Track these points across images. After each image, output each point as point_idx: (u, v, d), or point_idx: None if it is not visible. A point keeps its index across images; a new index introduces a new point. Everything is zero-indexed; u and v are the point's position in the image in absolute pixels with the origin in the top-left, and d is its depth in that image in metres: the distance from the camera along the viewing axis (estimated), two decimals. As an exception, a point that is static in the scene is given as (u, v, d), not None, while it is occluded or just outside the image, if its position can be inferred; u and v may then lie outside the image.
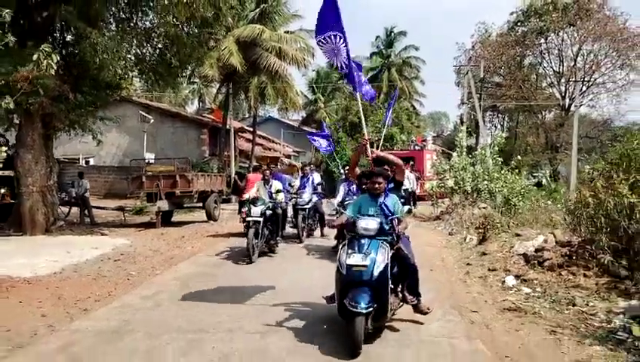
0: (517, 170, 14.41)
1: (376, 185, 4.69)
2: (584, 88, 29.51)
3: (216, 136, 25.82)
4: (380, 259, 4.24)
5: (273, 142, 36.90)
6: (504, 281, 6.51)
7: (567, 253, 6.92)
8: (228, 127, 23.79)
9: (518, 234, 8.52)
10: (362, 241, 4.35)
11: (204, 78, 22.82)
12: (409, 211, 4.64)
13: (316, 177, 11.61)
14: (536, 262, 6.91)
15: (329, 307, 4.91)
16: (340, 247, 4.54)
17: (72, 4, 10.60)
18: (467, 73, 20.05)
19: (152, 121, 18.59)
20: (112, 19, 11.65)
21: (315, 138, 13.25)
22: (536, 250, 7.15)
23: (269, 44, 22.38)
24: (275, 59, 22.43)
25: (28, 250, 8.75)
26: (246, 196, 8.90)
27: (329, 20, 5.15)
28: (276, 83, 24.28)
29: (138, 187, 12.51)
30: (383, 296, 4.22)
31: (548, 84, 32.41)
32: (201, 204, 13.97)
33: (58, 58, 7.36)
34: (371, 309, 4.12)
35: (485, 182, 13.90)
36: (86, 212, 13.84)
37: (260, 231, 8.19)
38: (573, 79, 28.91)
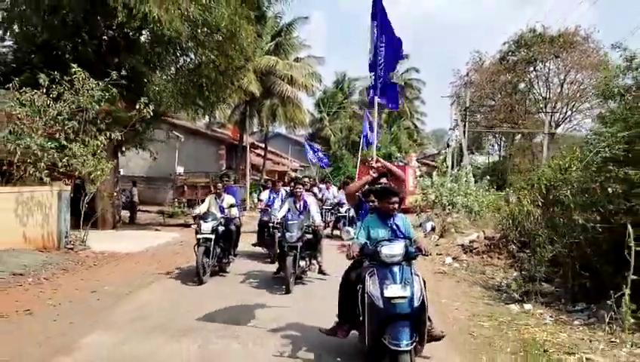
0: (497, 188, 18.13)
1: (391, 206, 4.41)
2: (569, 113, 33.30)
3: (232, 151, 29.74)
4: (416, 288, 3.96)
5: (281, 156, 40.72)
6: (444, 261, 10.22)
7: (490, 244, 10.64)
8: (244, 143, 27.63)
9: (463, 233, 12.24)
10: (394, 269, 4.01)
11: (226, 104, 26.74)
12: (433, 229, 4.01)
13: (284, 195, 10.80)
14: (468, 249, 10.62)
15: (320, 335, 4.90)
16: (368, 277, 4.09)
17: (139, 53, 14.48)
18: (453, 103, 23.90)
19: (182, 139, 22.46)
20: (165, 64, 15.47)
21: (309, 148, 16.55)
22: (470, 242, 10.88)
23: (282, 73, 26.34)
24: (287, 86, 26.39)
25: (111, 239, 12.43)
26: (195, 211, 8.52)
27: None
28: (286, 106, 28.18)
29: (180, 194, 16.30)
30: (422, 326, 3.99)
31: (537, 110, 36.15)
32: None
33: (149, 103, 11.12)
34: (414, 344, 3.88)
35: (459, 197, 17.58)
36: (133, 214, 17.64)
37: (212, 249, 7.85)
38: (558, 105, 32.77)
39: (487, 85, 34.86)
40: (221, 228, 8.15)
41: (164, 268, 8.96)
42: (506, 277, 9.15)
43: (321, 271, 8.53)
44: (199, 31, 13.68)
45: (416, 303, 3.90)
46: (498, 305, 7.06)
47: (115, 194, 14.65)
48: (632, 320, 5.74)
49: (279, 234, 7.95)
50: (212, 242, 7.83)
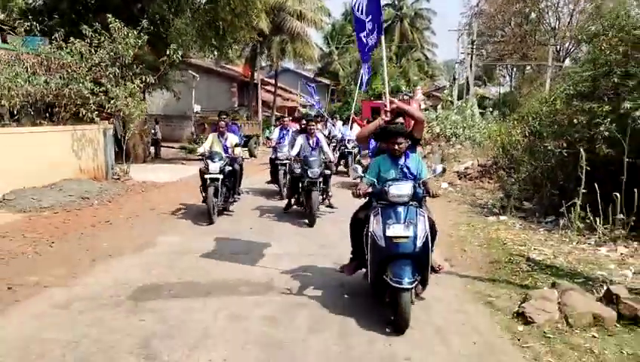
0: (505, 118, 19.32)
1: (397, 146, 4.28)
2: (575, 45, 33.58)
3: (243, 89, 30.95)
4: (420, 228, 4.02)
5: (290, 92, 41.73)
6: (440, 186, 11.85)
7: (482, 170, 12.21)
8: (255, 81, 28.78)
9: (460, 162, 13.81)
10: (399, 209, 4.06)
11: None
12: (443, 170, 4.47)
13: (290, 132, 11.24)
14: (463, 175, 12.23)
15: (334, 273, 5.14)
16: (372, 216, 4.15)
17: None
18: (460, 37, 24.67)
19: (198, 78, 23.70)
20: (185, 7, 16.51)
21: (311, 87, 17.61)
22: (465, 169, 12.46)
23: (292, 9, 27.00)
24: (296, 22, 27.17)
25: (147, 171, 14.11)
26: (200, 150, 8.41)
27: None
28: (296, 42, 28.98)
29: (202, 131, 17.87)
30: (425, 267, 4.10)
31: (546, 40, 36.39)
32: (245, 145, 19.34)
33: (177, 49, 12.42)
34: (416, 283, 3.98)
35: (461, 129, 18.99)
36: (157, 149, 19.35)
37: (220, 189, 7.94)
38: (568, 35, 33.05)
39: (498, 15, 35.00)
40: (227, 168, 8.14)
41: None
42: (493, 198, 10.79)
43: (329, 205, 9.03)
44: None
45: (419, 243, 3.96)
46: (479, 218, 8.73)
47: (147, 131, 16.27)
48: (581, 225, 7.40)
49: (298, 170, 8.27)
50: (219, 182, 7.85)
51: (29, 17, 13.14)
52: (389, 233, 3.98)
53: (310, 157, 8.17)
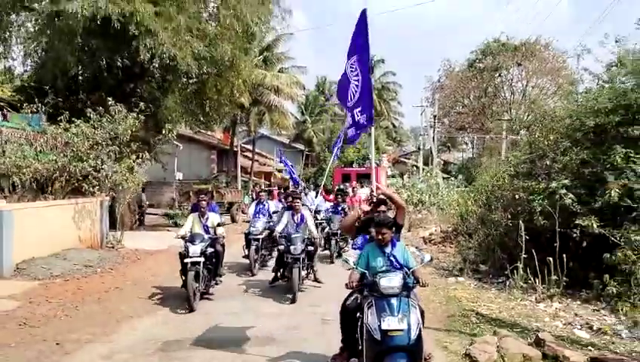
0: (468, 184, 21.19)
1: (381, 236, 4.53)
2: (530, 117, 36.78)
3: (222, 156, 32.51)
4: (413, 320, 4.13)
5: (266, 157, 43.52)
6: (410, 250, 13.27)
7: (444, 236, 13.74)
8: (235, 148, 30.45)
9: (426, 228, 15.36)
10: (392, 301, 4.19)
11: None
12: (431, 259, 4.73)
13: (272, 205, 11.68)
14: (428, 240, 13.71)
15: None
16: (366, 308, 4.29)
17: (152, 80, 17.18)
18: (422, 113, 27.14)
19: (181, 147, 25.13)
20: (176, 88, 18.14)
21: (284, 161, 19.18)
22: (430, 234, 13.97)
23: (270, 84, 29.20)
24: (274, 96, 29.33)
25: (136, 239, 14.99)
26: (180, 233, 8.03)
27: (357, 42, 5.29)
28: (273, 113, 31.05)
29: (186, 199, 19.05)
30: (419, 358, 4.18)
31: (503, 112, 39.67)
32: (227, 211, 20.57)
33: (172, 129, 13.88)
34: None
35: (426, 196, 20.76)
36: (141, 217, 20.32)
37: (201, 273, 7.58)
38: (522, 109, 36.29)
39: (458, 90, 38.23)
40: (209, 250, 7.85)
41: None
42: (453, 261, 12.22)
43: (315, 279, 9.26)
44: (205, 63, 16.42)
45: (413, 336, 4.05)
46: (440, 279, 10.11)
47: (135, 200, 17.36)
48: (524, 285, 8.83)
49: (281, 247, 8.50)
50: (201, 265, 7.51)
51: (30, 93, 14.47)
52: (384, 326, 4.05)
53: (293, 233, 8.49)
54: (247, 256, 10.40)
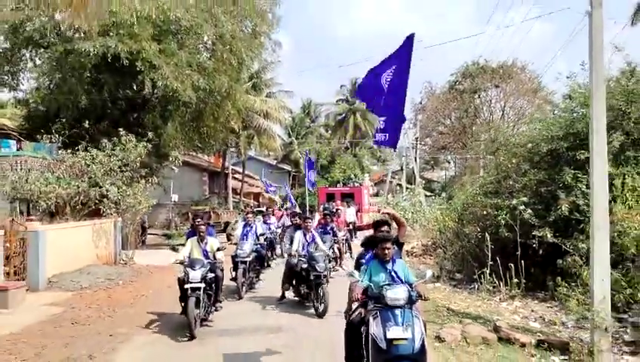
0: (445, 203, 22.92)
1: (386, 251, 4.84)
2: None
3: (214, 178, 34.02)
4: (417, 330, 4.34)
5: (254, 178, 45.05)
6: (393, 262, 14.91)
7: (424, 248, 15.40)
8: (227, 171, 32.02)
9: (409, 242, 17.00)
10: (396, 312, 4.41)
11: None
12: (433, 275, 4.93)
13: (259, 227, 11.85)
14: (410, 253, 15.36)
15: None
16: (372, 319, 4.50)
17: (154, 110, 18.74)
18: (405, 134, 29.04)
19: (177, 170, 26.58)
20: (176, 117, 19.70)
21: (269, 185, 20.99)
22: (412, 248, 15.63)
23: (259, 108, 30.96)
24: (263, 120, 31.07)
25: (144, 256, 16.43)
26: (179, 257, 7.96)
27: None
28: (261, 136, 32.79)
29: (185, 219, 20.50)
30: None
31: (482, 132, 41.88)
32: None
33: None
34: None
35: (409, 213, 22.44)
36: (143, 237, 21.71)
37: (202, 299, 7.45)
38: (500, 130, 38.47)
39: (439, 111, 40.39)
40: (210, 275, 7.74)
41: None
42: (432, 270, 13.83)
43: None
44: (203, 94, 18.04)
45: (417, 344, 4.26)
46: (420, 285, 11.68)
47: (136, 221, 18.76)
48: (491, 287, 10.47)
49: (304, 265, 8.81)
50: (201, 291, 7.37)
51: (37, 122, 15.84)
52: (389, 335, 4.27)
53: (315, 252, 8.98)
54: (234, 279, 10.23)
